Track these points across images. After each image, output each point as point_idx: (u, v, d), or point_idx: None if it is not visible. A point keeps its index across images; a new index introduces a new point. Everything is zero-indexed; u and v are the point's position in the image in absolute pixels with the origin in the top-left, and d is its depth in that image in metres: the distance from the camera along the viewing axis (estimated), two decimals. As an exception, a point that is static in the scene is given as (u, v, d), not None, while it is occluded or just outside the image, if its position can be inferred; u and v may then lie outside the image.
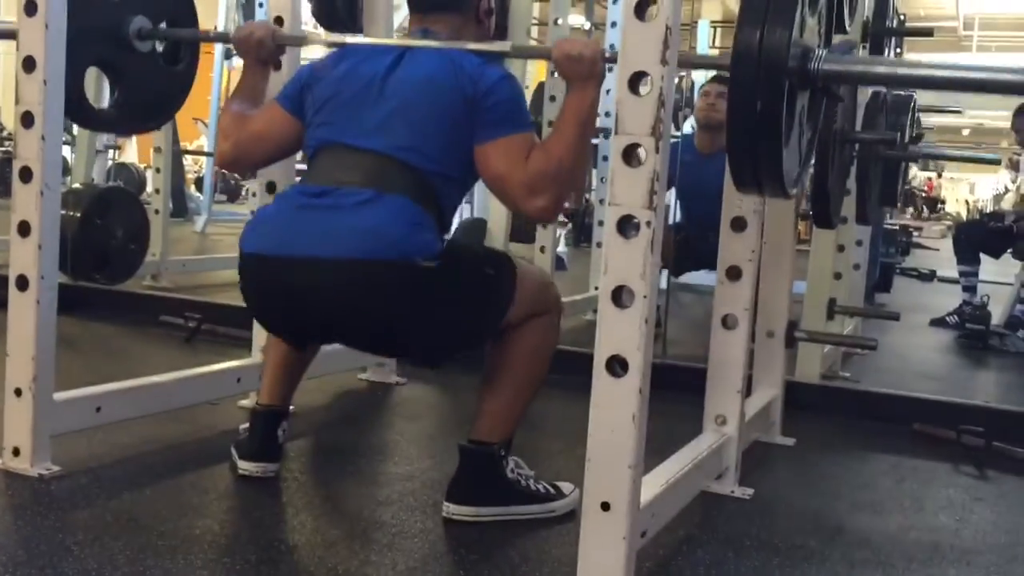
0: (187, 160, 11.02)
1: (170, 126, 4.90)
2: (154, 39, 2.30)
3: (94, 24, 2.16)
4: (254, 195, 3.34)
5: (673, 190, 4.00)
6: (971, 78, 1.62)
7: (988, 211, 9.92)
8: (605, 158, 4.71)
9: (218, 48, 7.97)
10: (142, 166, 9.79)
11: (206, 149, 8.91)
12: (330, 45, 2.19)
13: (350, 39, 2.25)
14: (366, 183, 1.79)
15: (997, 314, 4.81)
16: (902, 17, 3.99)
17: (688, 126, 5.11)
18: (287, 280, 1.78)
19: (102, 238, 4.02)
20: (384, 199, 1.76)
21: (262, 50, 2.10)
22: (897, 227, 7.99)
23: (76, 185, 4.51)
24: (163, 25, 2.31)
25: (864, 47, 3.30)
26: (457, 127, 1.83)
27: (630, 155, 1.47)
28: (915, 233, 11.07)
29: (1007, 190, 15.74)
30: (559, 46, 1.80)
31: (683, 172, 3.69)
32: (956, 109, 5.20)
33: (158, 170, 4.89)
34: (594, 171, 5.10)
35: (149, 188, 5.94)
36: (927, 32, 3.99)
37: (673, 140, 3.79)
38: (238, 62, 8.71)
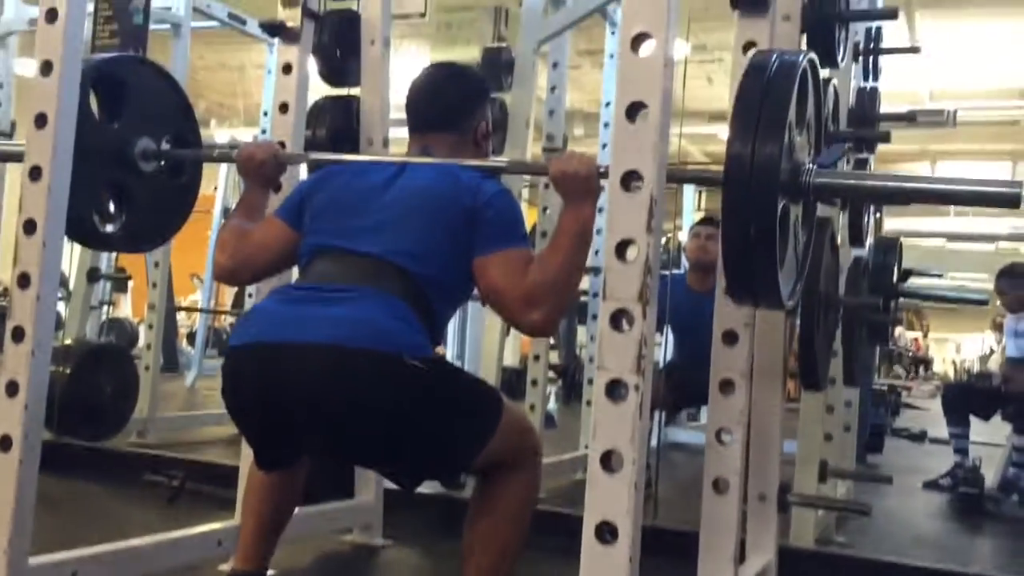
0: (180, 315, 11.09)
1: (165, 283, 4.96)
2: (159, 159, 2.34)
3: (100, 149, 2.21)
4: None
5: (667, 327, 4.04)
6: (951, 190, 1.69)
7: (975, 372, 9.98)
8: (595, 316, 4.77)
9: (217, 205, 8.16)
10: (135, 320, 9.84)
11: (200, 305, 8.97)
12: (330, 162, 2.23)
13: (350, 157, 2.31)
14: (359, 281, 1.80)
15: (990, 476, 4.77)
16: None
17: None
18: (269, 365, 1.74)
19: (90, 394, 4.00)
20: (377, 297, 1.78)
21: (264, 170, 2.15)
22: (886, 387, 8.01)
23: (68, 341, 4.52)
24: (166, 144, 2.36)
25: (844, 213, 3.40)
26: (455, 237, 1.86)
27: (618, 321, 1.50)
28: (904, 393, 11.09)
29: (992, 351, 15.90)
30: (555, 163, 1.84)
31: (676, 309, 3.73)
32: (938, 273, 5.31)
33: (151, 326, 4.91)
34: (583, 328, 5.14)
35: (141, 343, 5.94)
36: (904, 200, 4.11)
37: (663, 275, 3.85)
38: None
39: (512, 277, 1.81)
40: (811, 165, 1.71)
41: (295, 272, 2.11)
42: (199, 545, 2.42)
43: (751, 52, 2.19)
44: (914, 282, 4.18)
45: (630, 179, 1.53)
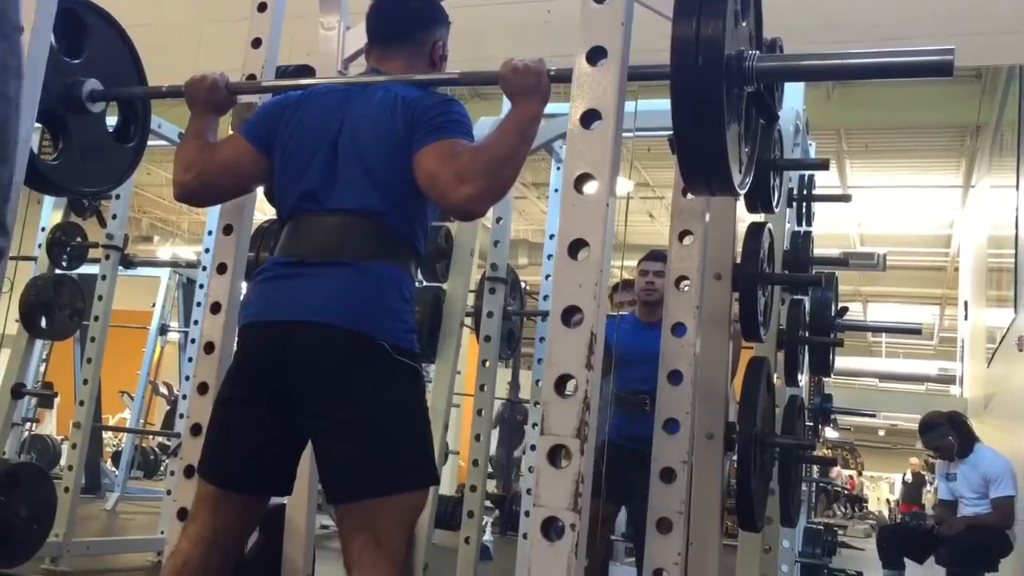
0: (106, 433, 10.75)
1: (94, 400, 4.81)
2: (106, 100, 2.36)
3: (49, 80, 2.19)
4: (172, 474, 3.25)
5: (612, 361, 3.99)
6: (886, 63, 1.72)
7: (908, 514, 10.03)
8: (533, 447, 4.73)
9: (154, 322, 8.03)
10: (59, 438, 9.50)
11: (129, 423, 8.72)
12: (282, 90, 2.18)
13: (304, 81, 2.25)
14: (340, 251, 1.84)
15: (926, 622, 4.75)
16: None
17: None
18: (269, 340, 1.83)
19: (4, 516, 3.80)
20: (361, 268, 1.82)
21: (214, 94, 2.11)
22: (822, 527, 7.99)
23: (-15, 458, 4.34)
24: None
25: (780, 353, 3.46)
26: (402, 149, 1.86)
27: (556, 456, 1.49)
28: (840, 532, 11.06)
29: (927, 491, 16.06)
30: (506, 64, 1.85)
31: (623, 339, 3.70)
32: (870, 412, 5.41)
33: (74, 446, 4.73)
34: (523, 457, 5.09)
35: (63, 462, 5.72)
36: (838, 343, 4.21)
37: (611, 316, 3.83)
38: (172, 336, 8.79)
39: (445, 159, 1.81)
40: (753, 52, 1.74)
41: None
42: None
43: (689, 196, 2.28)
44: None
45: (571, 314, 1.55)
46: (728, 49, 1.62)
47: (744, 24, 1.80)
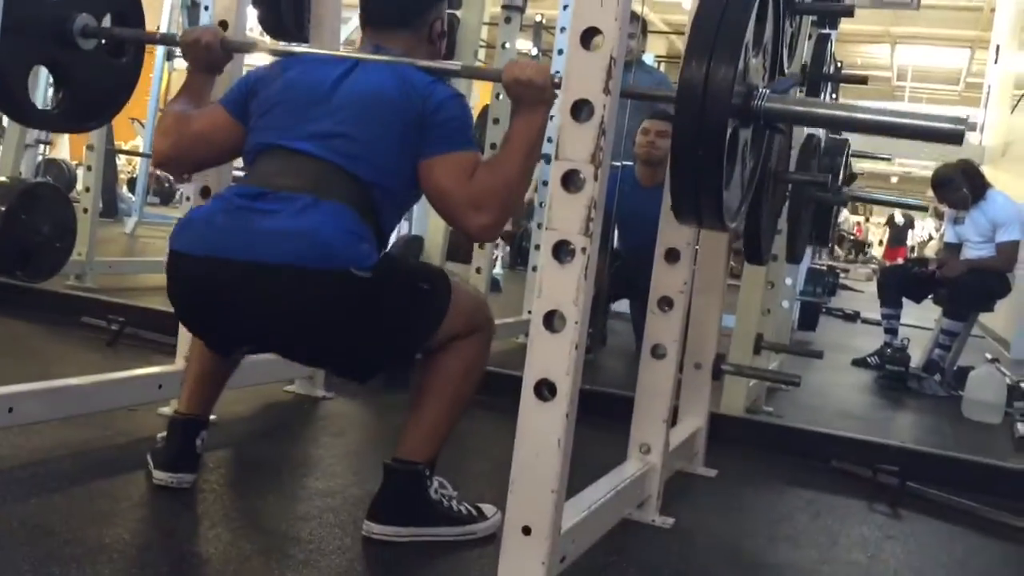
0: (120, 160, 10.81)
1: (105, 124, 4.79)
2: (98, 37, 2.24)
3: (37, 22, 2.10)
4: (187, 199, 3.29)
5: (612, 218, 4.05)
6: (898, 123, 1.70)
7: (913, 257, 10.22)
8: (545, 183, 4.74)
9: (159, 48, 7.83)
10: (73, 163, 9.57)
11: (141, 149, 8.73)
12: (278, 53, 2.17)
13: (299, 48, 2.23)
14: (305, 188, 1.75)
15: (916, 357, 4.95)
16: (839, 64, 4.10)
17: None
18: (217, 282, 1.72)
19: (26, 234, 3.89)
20: (322, 205, 1.73)
21: (209, 55, 2.06)
22: (825, 268, 8.18)
23: (2, 179, 4.38)
24: (107, 22, 2.25)
25: (802, 90, 3.38)
26: (404, 141, 1.81)
27: (569, 181, 1.48)
28: (842, 275, 11.35)
29: (931, 238, 16.28)
30: (509, 69, 1.80)
31: (623, 201, 3.72)
32: (886, 157, 5.36)
33: (89, 168, 4.77)
34: (534, 195, 5.12)
35: (79, 186, 5.78)
36: (862, 80, 4.10)
37: (614, 165, 3.84)
38: (180, 63, 8.61)
39: (459, 179, 1.79)
40: (764, 89, 1.70)
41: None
42: (139, 387, 2.42)
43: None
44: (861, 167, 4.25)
45: (590, 36, 1.49)
46: (738, 86, 1.55)
47: (758, 56, 1.70)
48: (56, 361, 3.17)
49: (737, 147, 1.71)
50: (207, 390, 2.06)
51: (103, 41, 2.27)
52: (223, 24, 2.40)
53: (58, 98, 2.27)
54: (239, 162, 2.06)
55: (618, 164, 3.92)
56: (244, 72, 2.26)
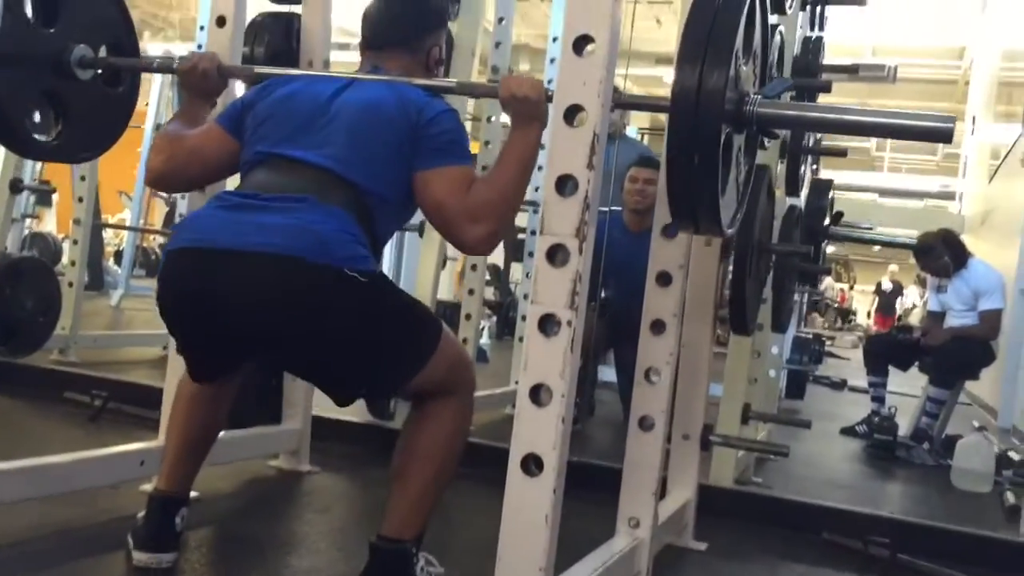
0: (107, 233, 10.82)
1: (92, 198, 4.81)
2: (96, 68, 2.26)
3: (35, 53, 2.13)
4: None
5: (601, 264, 4.05)
6: (889, 123, 1.74)
7: (897, 325, 10.27)
8: (531, 254, 4.77)
9: (149, 120, 7.91)
10: (60, 236, 9.57)
11: (128, 222, 8.76)
12: (277, 76, 2.16)
13: (296, 71, 2.26)
14: (303, 190, 1.77)
15: (904, 425, 4.94)
16: (818, 136, 4.18)
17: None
18: (207, 271, 1.71)
19: (10, 309, 3.88)
20: (320, 206, 1.75)
21: (206, 81, 2.10)
22: (811, 336, 8.21)
23: (-13, 253, 4.38)
24: (103, 52, 2.28)
25: (782, 162, 3.44)
26: (400, 152, 1.84)
27: (554, 255, 1.50)
28: (828, 342, 11.39)
29: (914, 306, 16.39)
30: (506, 85, 1.83)
31: (611, 246, 3.74)
32: (868, 226, 5.45)
33: (75, 242, 4.78)
34: (520, 265, 5.15)
35: (65, 259, 5.78)
36: (841, 152, 4.17)
37: (602, 211, 3.85)
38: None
39: (455, 193, 1.81)
40: (756, 95, 1.72)
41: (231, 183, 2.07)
42: (120, 464, 2.38)
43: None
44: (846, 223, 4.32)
45: (574, 113, 1.51)
46: (730, 92, 1.58)
47: (748, 63, 1.74)
48: (38, 438, 3.13)
49: (731, 152, 1.72)
50: (186, 465, 2.02)
51: (100, 71, 2.29)
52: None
53: (56, 129, 2.28)
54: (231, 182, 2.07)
55: (606, 209, 3.94)
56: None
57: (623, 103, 1.76)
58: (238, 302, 1.71)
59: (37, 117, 2.22)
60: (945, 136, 1.63)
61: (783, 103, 1.80)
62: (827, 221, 4.14)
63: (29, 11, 2.11)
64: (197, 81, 2.10)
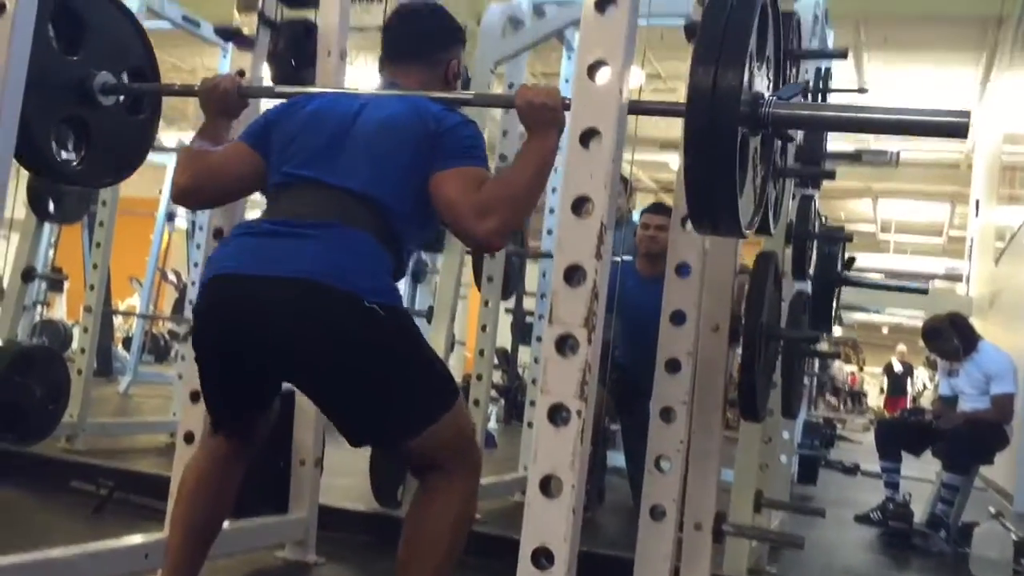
0: (117, 319, 10.87)
1: (104, 285, 4.85)
2: (118, 94, 2.32)
3: (59, 81, 2.19)
4: (182, 358, 3.29)
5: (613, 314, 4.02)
6: (904, 120, 1.72)
7: (908, 408, 10.18)
8: (539, 338, 4.77)
9: (161, 208, 8.02)
10: (70, 323, 9.62)
11: (138, 309, 8.80)
12: (296, 95, 2.20)
13: (315, 90, 2.30)
14: (330, 215, 1.82)
15: (919, 512, 4.86)
16: (824, 219, 4.21)
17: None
18: (235, 296, 1.78)
19: (20, 397, 3.87)
20: (348, 232, 1.80)
21: (226, 100, 2.13)
22: (821, 420, 8.14)
23: (-2, 341, 4.40)
24: (125, 78, 2.35)
25: (788, 248, 3.46)
26: (419, 166, 1.87)
27: (563, 345, 1.50)
28: (839, 426, 11.27)
29: (925, 388, 16.24)
30: (522, 94, 1.85)
31: (624, 294, 3.73)
32: (875, 309, 5.44)
33: (86, 329, 4.80)
34: (528, 348, 5.14)
35: (75, 346, 5.80)
36: (847, 239, 4.19)
37: (613, 261, 3.83)
38: (180, 223, 8.80)
39: (467, 189, 1.83)
40: (770, 97, 1.73)
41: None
42: (125, 557, 2.35)
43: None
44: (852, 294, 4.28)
45: (581, 204, 1.54)
46: (744, 94, 1.60)
47: (762, 65, 1.77)
48: (43, 529, 3.09)
49: (748, 154, 1.72)
50: (191, 555, 1.98)
51: (122, 98, 2.35)
52: (240, 73, 2.50)
53: (80, 154, 2.33)
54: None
55: (617, 259, 3.94)
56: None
57: (638, 110, 1.75)
58: (262, 323, 1.76)
59: (61, 142, 2.29)
60: (960, 130, 1.61)
61: (797, 103, 1.81)
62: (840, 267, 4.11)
63: (53, 38, 2.19)
64: (218, 100, 2.13)
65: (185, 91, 2.29)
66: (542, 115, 1.82)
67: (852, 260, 4.29)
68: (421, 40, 2.11)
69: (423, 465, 1.84)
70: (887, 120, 1.74)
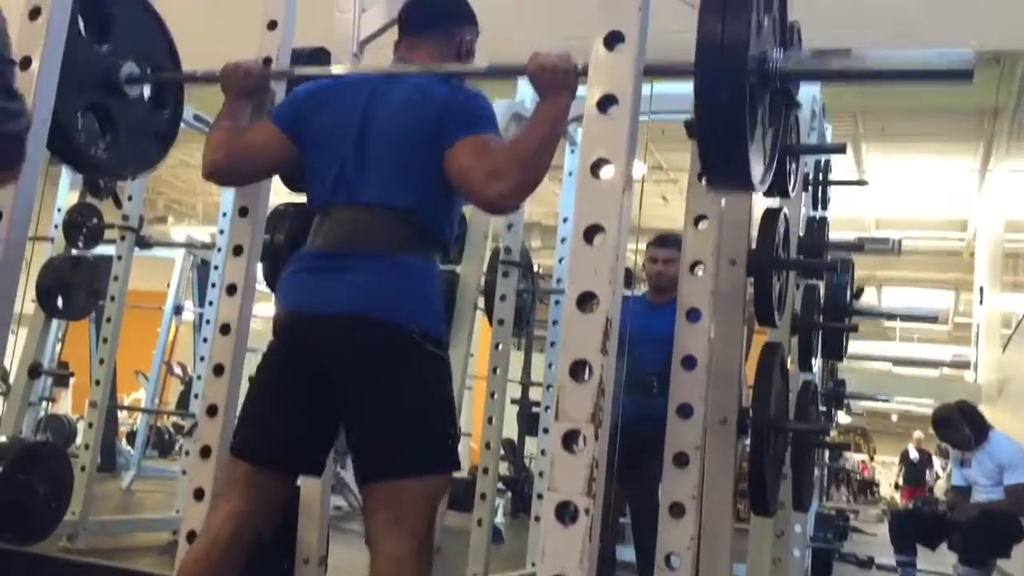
0: (121, 413, 10.82)
1: (109, 380, 4.85)
2: (142, 83, 2.41)
3: (87, 71, 2.27)
4: (187, 453, 3.27)
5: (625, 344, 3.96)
6: (909, 66, 1.73)
7: (921, 499, 10.02)
8: (546, 430, 4.74)
9: (169, 303, 8.07)
10: (74, 417, 9.57)
11: (143, 403, 8.77)
12: (316, 77, 2.24)
13: (336, 69, 2.34)
14: (376, 244, 1.88)
15: (938, 607, 4.75)
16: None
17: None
18: (300, 336, 1.92)
19: (22, 495, 3.83)
20: (395, 261, 1.87)
21: (248, 80, 2.16)
22: (833, 512, 8.00)
23: (2, 438, 4.38)
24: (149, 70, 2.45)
25: (793, 338, 3.46)
26: (433, 146, 1.89)
27: (570, 441, 1.49)
28: (851, 517, 11.06)
29: (938, 477, 15.96)
30: (534, 59, 1.88)
31: (634, 320, 3.70)
32: (884, 398, 5.41)
33: (90, 425, 4.77)
34: (535, 440, 5.10)
35: (79, 441, 5.77)
36: (852, 327, 4.21)
37: (625, 296, 3.79)
38: (187, 316, 8.83)
39: (477, 155, 1.85)
40: (778, 53, 1.74)
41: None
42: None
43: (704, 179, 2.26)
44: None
45: (586, 300, 1.55)
46: (752, 50, 1.62)
47: (767, 20, 1.79)
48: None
49: (757, 111, 1.71)
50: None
51: (147, 93, 2.46)
52: (267, 61, 2.53)
53: (104, 143, 2.39)
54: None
55: (628, 293, 3.91)
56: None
57: (652, 71, 1.75)
58: (333, 352, 1.88)
59: (86, 129, 2.35)
60: (965, 74, 1.61)
61: (804, 58, 1.81)
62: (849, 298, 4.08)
63: (83, 29, 2.29)
64: (240, 79, 2.17)
65: (208, 77, 2.32)
66: (554, 78, 1.86)
67: (861, 290, 4.26)
68: (435, 14, 2.15)
69: (385, 521, 1.81)
70: (894, 68, 1.76)
